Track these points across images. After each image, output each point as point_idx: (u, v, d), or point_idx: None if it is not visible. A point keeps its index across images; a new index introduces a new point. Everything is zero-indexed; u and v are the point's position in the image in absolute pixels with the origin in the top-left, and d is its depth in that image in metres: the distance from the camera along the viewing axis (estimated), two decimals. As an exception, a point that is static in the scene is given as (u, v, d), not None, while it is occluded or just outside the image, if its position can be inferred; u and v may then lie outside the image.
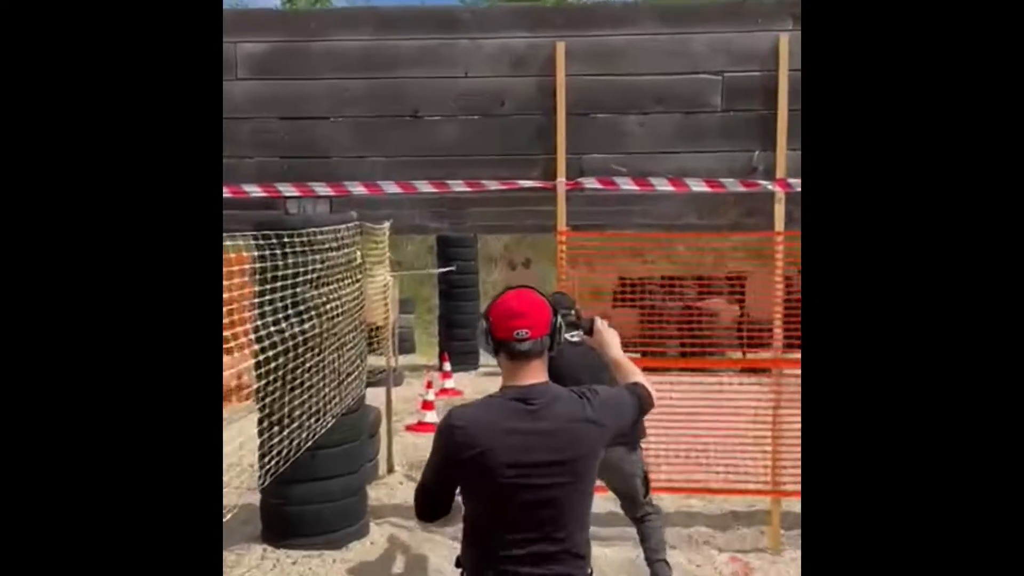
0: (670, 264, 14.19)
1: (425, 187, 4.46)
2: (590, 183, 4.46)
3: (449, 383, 9.50)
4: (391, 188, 4.45)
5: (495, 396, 1.90)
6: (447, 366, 9.57)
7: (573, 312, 3.43)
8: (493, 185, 4.44)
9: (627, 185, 4.45)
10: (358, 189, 4.43)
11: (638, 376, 2.11)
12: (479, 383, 10.38)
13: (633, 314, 8.04)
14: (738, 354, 11.30)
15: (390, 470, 6.23)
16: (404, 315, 13.22)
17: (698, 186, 4.50)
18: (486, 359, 11.92)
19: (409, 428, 7.89)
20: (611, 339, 2.24)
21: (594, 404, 1.87)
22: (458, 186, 4.45)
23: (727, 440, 4.65)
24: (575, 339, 3.09)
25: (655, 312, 7.84)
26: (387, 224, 5.30)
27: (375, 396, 5.87)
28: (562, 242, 4.49)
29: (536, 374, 1.87)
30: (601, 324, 2.29)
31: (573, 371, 3.11)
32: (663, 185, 4.49)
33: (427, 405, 7.97)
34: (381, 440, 6.19)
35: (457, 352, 11.20)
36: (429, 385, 8.45)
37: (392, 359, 7.58)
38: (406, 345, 13.16)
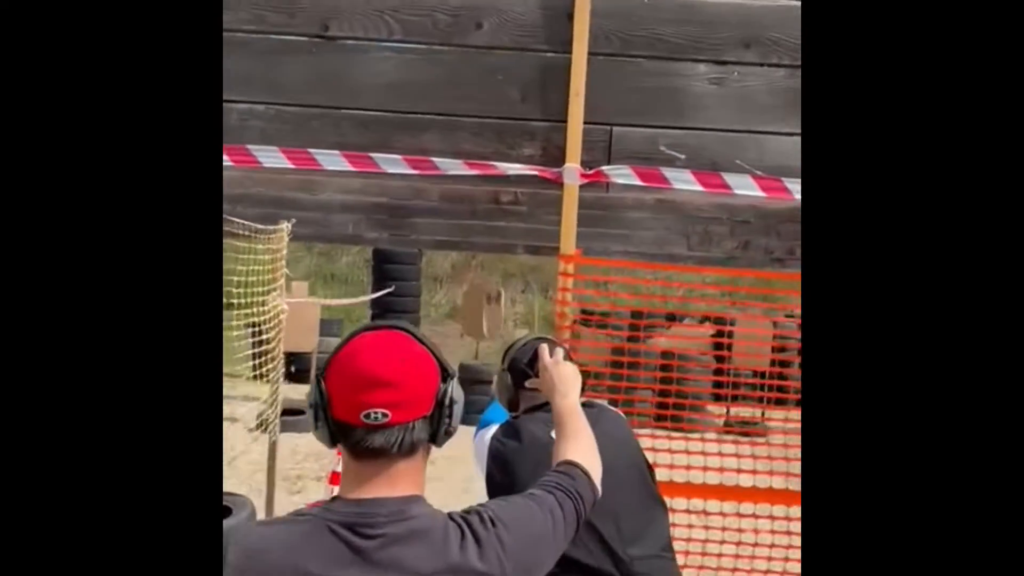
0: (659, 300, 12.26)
1: (335, 162, 2.55)
2: (620, 174, 2.59)
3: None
4: (271, 158, 2.53)
5: (309, 514, 1.17)
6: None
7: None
8: (455, 167, 2.55)
9: (685, 183, 2.61)
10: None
11: (580, 444, 1.40)
12: (413, 433, 8.42)
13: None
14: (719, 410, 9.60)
15: None
16: (330, 339, 11.29)
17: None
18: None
19: (336, 478, 6.16)
20: (562, 380, 1.57)
21: (483, 542, 1.16)
22: (393, 164, 2.55)
23: None
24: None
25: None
26: (284, 227, 3.43)
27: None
28: (567, 273, 2.61)
29: (395, 484, 1.15)
30: (549, 359, 1.65)
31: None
32: (746, 187, 2.67)
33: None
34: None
35: (389, 390, 9.24)
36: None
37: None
38: (330, 375, 11.17)
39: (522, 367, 1.97)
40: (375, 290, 9.46)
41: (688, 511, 2.68)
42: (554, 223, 8.44)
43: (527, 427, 1.84)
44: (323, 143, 2.56)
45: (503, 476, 1.80)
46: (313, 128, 2.57)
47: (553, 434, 1.85)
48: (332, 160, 2.53)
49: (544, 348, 1.72)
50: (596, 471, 1.37)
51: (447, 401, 1.16)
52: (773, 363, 10.81)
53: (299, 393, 10.25)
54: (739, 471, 2.87)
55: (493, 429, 2.01)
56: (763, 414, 10.03)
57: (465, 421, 1.26)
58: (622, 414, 2.10)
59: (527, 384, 1.94)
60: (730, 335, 11.88)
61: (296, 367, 11.28)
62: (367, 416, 1.10)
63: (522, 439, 1.81)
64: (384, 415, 1.10)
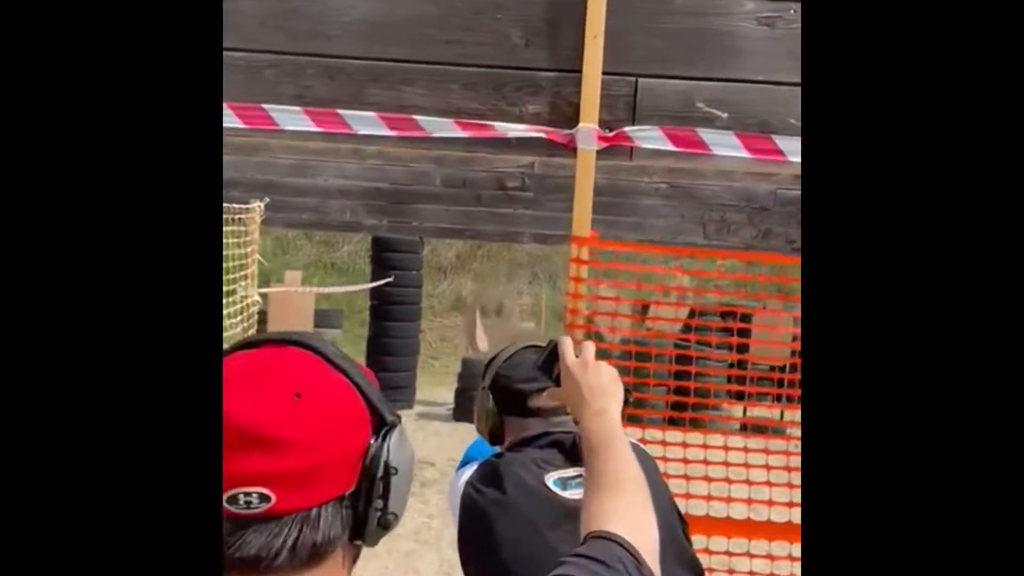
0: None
1: (295, 120, 2.06)
2: (647, 137, 2.09)
3: (370, 434, 7.06)
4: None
5: None
6: (369, 411, 7.10)
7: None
8: (444, 127, 2.06)
9: (729, 148, 2.10)
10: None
11: (626, 500, 0.92)
12: (411, 430, 7.97)
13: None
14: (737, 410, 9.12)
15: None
16: (328, 330, 10.85)
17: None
18: (426, 392, 9.62)
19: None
20: (596, 389, 1.09)
21: None
22: (367, 123, 2.06)
23: None
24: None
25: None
26: (256, 206, 2.98)
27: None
28: (580, 259, 2.11)
29: None
30: (576, 361, 1.15)
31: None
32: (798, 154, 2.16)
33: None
34: None
35: (388, 386, 8.78)
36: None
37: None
38: (328, 368, 10.73)
39: (516, 385, 1.49)
40: (375, 280, 8.97)
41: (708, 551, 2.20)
42: (563, 210, 7.75)
43: (512, 470, 1.37)
44: (280, 97, 2.07)
45: (478, 537, 1.33)
46: (267, 79, 2.08)
47: (550, 480, 1.38)
48: (292, 118, 2.04)
49: (567, 343, 1.22)
50: (651, 545, 0.89)
51: (381, 468, 0.70)
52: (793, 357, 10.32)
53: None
54: (770, 502, 2.37)
55: (471, 470, 1.56)
56: (782, 415, 9.57)
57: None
58: (641, 445, 1.63)
59: (534, 404, 1.47)
60: (747, 329, 11.41)
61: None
62: (232, 500, 0.64)
63: (505, 487, 1.34)
64: (262, 498, 0.64)
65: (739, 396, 10.43)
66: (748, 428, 8.83)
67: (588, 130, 2.04)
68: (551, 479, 1.35)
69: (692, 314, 11.30)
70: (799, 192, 9.31)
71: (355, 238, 13.60)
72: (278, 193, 4.52)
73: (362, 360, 9.47)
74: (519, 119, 2.08)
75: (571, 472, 1.36)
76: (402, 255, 9.06)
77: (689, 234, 9.62)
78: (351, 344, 11.83)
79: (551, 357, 1.26)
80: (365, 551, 0.74)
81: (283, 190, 4.54)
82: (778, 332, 9.30)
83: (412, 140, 2.08)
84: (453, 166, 7.26)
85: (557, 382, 1.22)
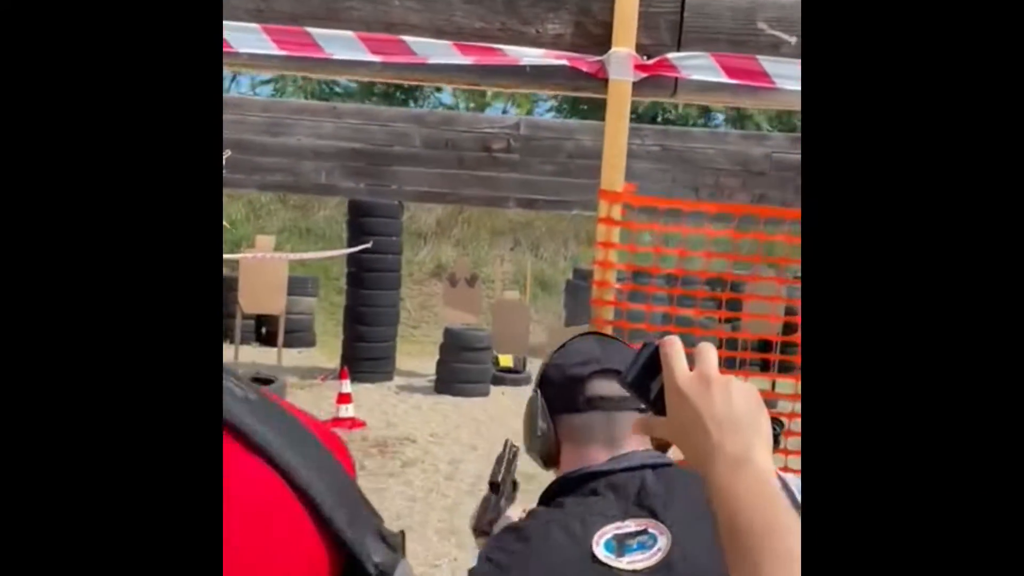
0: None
1: (253, 41, 1.63)
2: (696, 65, 1.68)
3: (347, 410, 6.67)
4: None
5: None
6: (346, 385, 6.71)
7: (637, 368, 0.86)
8: (441, 51, 1.64)
9: (794, 81, 1.70)
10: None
11: None
12: (390, 404, 7.61)
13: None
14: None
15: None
16: (303, 298, 10.39)
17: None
18: (406, 363, 9.23)
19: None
20: (722, 421, 0.68)
21: None
22: (342, 44, 1.63)
23: None
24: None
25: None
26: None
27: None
28: (610, 220, 1.71)
29: None
30: (690, 376, 0.74)
31: None
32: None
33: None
34: None
35: (364, 357, 8.38)
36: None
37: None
38: (304, 337, 10.30)
39: (570, 370, 1.10)
40: (352, 246, 8.52)
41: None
42: (550, 174, 7.23)
43: (548, 528, 0.99)
44: (235, 11, 1.63)
45: None
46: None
47: (599, 543, 0.98)
48: (248, 38, 1.61)
49: (674, 347, 0.76)
50: None
51: None
52: (786, 329, 10.05)
53: (269, 357, 9.43)
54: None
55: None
56: (773, 385, 9.31)
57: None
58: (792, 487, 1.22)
59: (594, 392, 1.08)
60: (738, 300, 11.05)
61: (266, 329, 10.41)
62: None
63: (530, 539, 0.98)
64: None
65: (729, 365, 10.15)
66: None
67: (623, 56, 1.63)
68: (602, 540, 0.95)
69: (672, 280, 10.95)
70: (795, 156, 8.82)
71: (332, 202, 13.08)
72: (249, 153, 4.24)
73: (339, 330, 9.02)
74: (536, 42, 1.66)
75: (631, 526, 0.97)
76: (381, 220, 8.61)
77: (675, 194, 9.22)
78: (327, 313, 11.40)
79: (648, 367, 0.80)
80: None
81: (253, 149, 4.28)
82: (772, 302, 9.01)
83: (400, 68, 1.66)
84: (434, 126, 6.79)
85: (657, 406, 0.78)
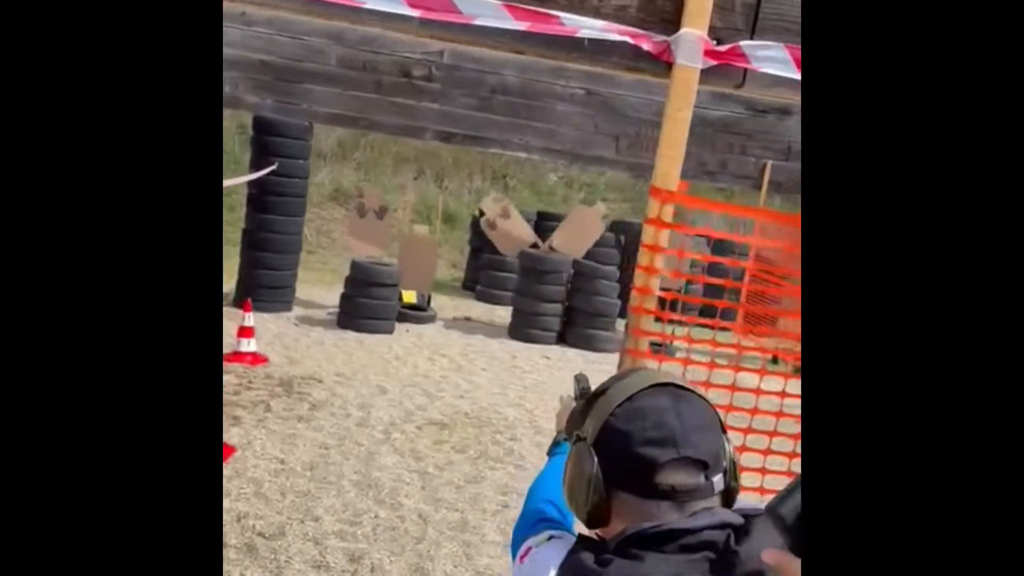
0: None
1: None
2: (768, 57, 1.52)
3: (249, 344, 6.32)
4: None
5: None
6: (249, 318, 6.33)
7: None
8: (494, 14, 1.40)
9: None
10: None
11: None
12: (291, 338, 7.28)
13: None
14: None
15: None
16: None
17: None
18: (303, 292, 8.84)
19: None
20: None
21: None
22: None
23: None
24: None
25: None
26: None
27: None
28: (660, 221, 1.54)
29: None
30: None
31: None
32: None
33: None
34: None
35: (263, 285, 7.96)
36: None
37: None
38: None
39: (639, 449, 0.95)
40: (255, 167, 7.98)
41: None
42: (472, 108, 6.90)
43: None
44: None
45: None
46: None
47: None
48: None
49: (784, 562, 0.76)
50: None
51: None
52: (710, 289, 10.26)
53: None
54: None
55: (551, 553, 1.03)
56: (673, 332, 9.52)
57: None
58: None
59: (666, 481, 0.94)
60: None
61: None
62: None
63: None
64: None
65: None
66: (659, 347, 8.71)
67: (693, 39, 1.44)
68: None
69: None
70: (720, 113, 8.76)
71: (226, 115, 12.25)
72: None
73: (236, 256, 8.52)
74: (598, 12, 1.45)
75: None
76: (288, 140, 8.09)
77: (601, 147, 9.15)
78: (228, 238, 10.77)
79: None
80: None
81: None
82: (677, 256, 9.12)
83: (440, 27, 1.42)
84: (352, 45, 6.36)
85: (792, 535, 0.69)
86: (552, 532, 1.10)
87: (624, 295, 9.20)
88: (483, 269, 10.70)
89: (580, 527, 1.13)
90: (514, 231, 8.99)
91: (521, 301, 8.62)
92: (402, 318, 8.34)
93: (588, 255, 9.86)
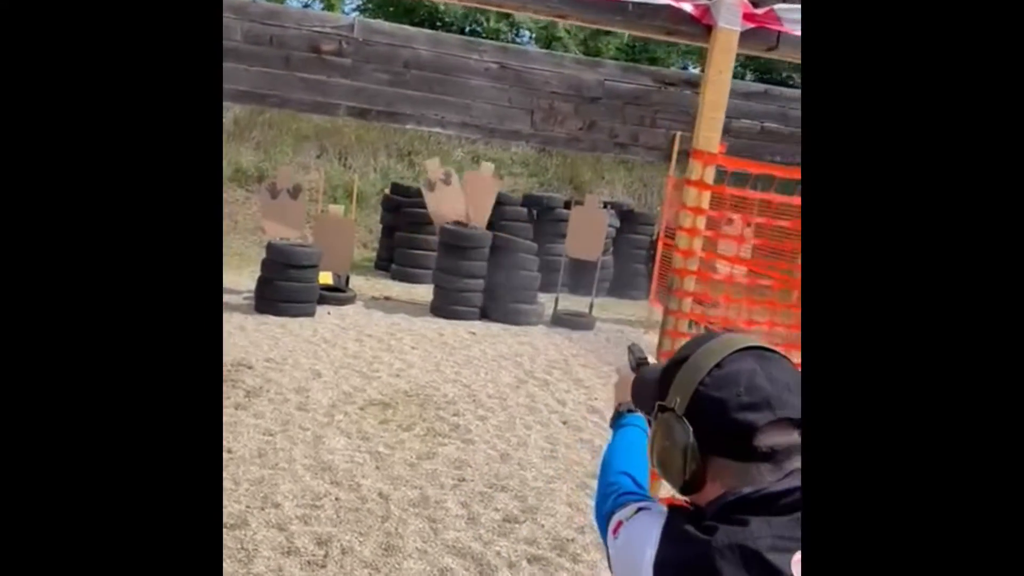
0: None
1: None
2: (799, 20, 1.57)
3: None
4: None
5: None
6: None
7: None
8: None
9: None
10: None
11: None
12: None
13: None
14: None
15: None
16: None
17: None
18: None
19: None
20: None
21: None
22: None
23: None
24: None
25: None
26: None
27: None
28: (702, 183, 1.58)
29: None
30: None
31: None
32: None
33: None
34: None
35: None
36: None
37: None
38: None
39: (737, 415, 0.97)
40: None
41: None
42: (386, 83, 6.89)
43: (736, 565, 0.91)
44: None
45: None
46: None
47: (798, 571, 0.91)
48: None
49: None
50: None
51: None
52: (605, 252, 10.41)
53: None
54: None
55: (646, 525, 1.04)
56: (591, 306, 9.72)
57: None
58: None
59: (766, 443, 0.96)
60: (542, 219, 11.28)
61: None
62: None
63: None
64: None
65: (547, 284, 10.31)
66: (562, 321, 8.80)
67: (733, 2, 1.48)
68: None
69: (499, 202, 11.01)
70: (627, 85, 9.06)
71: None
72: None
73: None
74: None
75: None
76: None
77: (516, 121, 9.16)
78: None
79: None
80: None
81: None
82: (593, 227, 9.28)
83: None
84: (257, 19, 6.12)
85: None
86: (639, 504, 1.11)
87: (543, 268, 9.31)
88: (396, 247, 10.59)
89: (662, 494, 1.16)
90: (447, 200, 8.94)
91: (442, 278, 8.59)
92: (321, 300, 8.17)
93: (505, 229, 9.89)
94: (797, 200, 1.62)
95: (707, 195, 1.56)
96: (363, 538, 3.57)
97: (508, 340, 7.83)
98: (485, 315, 8.59)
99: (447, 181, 8.94)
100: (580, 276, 10.43)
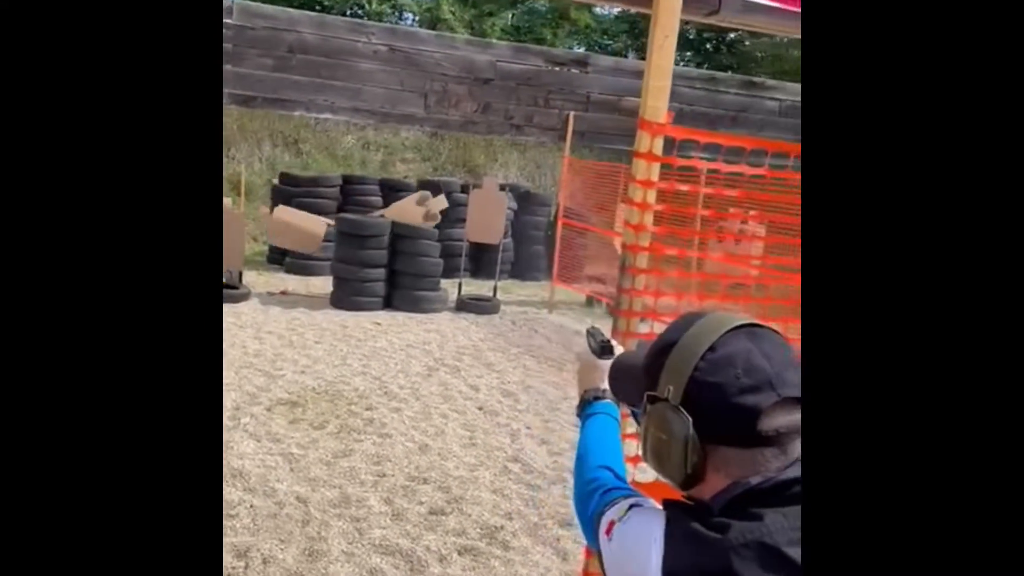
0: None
1: None
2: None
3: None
4: None
5: None
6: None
7: None
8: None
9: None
10: None
11: None
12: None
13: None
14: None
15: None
16: None
17: None
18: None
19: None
20: None
21: None
22: None
23: None
24: None
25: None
26: None
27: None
28: (651, 155, 1.51)
29: None
30: None
31: None
32: None
33: None
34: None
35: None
36: None
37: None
38: None
39: (737, 399, 0.92)
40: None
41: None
42: (270, 68, 6.65)
43: (752, 564, 0.85)
44: None
45: None
46: None
47: None
48: None
49: None
50: None
51: None
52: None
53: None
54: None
55: (645, 524, 0.98)
56: (495, 289, 9.66)
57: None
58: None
59: (769, 426, 0.91)
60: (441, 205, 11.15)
61: None
62: None
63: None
64: None
65: (450, 268, 10.23)
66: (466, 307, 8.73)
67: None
68: None
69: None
70: (519, 66, 9.06)
71: None
72: None
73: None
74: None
75: None
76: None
77: (409, 104, 8.99)
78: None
79: None
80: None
81: None
82: (493, 210, 9.21)
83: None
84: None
85: None
86: (630, 501, 1.04)
87: (444, 254, 9.18)
88: (290, 240, 10.23)
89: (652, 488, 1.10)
90: (299, 224, 8.59)
91: (341, 268, 8.34)
92: (215, 298, 7.79)
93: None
94: (748, 169, 1.59)
95: (656, 167, 1.51)
96: (284, 545, 3.40)
97: (414, 328, 7.69)
98: (389, 304, 8.41)
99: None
100: (481, 260, 10.37)
